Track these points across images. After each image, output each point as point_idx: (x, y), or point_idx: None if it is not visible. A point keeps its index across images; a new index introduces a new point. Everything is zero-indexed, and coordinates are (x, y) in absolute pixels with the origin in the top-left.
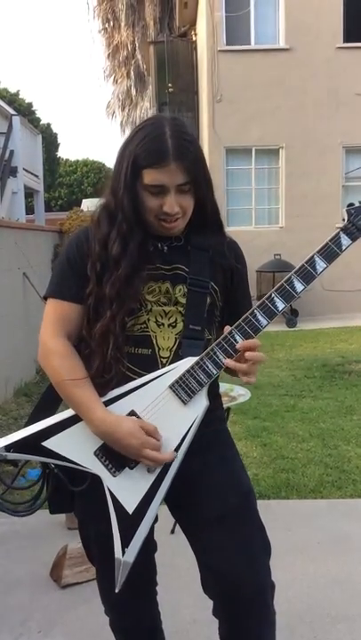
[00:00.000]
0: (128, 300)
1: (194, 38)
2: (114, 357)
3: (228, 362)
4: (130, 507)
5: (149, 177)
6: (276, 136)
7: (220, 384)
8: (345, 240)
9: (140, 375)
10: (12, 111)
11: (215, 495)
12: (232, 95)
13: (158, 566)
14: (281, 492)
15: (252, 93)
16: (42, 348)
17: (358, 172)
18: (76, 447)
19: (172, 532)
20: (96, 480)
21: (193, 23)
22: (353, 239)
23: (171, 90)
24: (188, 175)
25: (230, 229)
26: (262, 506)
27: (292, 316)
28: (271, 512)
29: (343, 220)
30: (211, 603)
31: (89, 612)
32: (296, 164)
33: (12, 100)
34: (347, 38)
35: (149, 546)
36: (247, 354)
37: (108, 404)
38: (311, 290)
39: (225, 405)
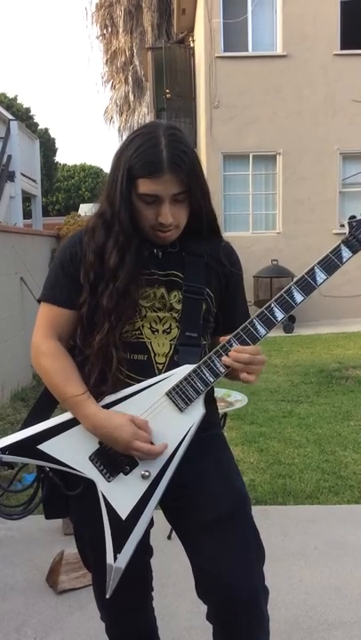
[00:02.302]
0: (126, 311)
1: (192, 45)
2: (116, 369)
3: (226, 359)
4: (123, 512)
5: (144, 187)
6: (274, 142)
7: (218, 389)
8: (346, 252)
9: (137, 381)
10: (9, 116)
11: (210, 501)
12: (229, 101)
13: (155, 572)
14: (278, 498)
15: (249, 99)
16: (33, 351)
17: (355, 178)
18: (71, 451)
19: (169, 537)
20: (90, 485)
21: (191, 30)
22: (354, 252)
23: (168, 96)
24: (183, 185)
25: (228, 235)
26: (259, 511)
27: (289, 322)
28: (268, 518)
29: (342, 226)
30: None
31: (85, 618)
32: (293, 170)
33: (10, 104)
34: (344, 45)
35: (145, 551)
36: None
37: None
38: None
39: (222, 411)
